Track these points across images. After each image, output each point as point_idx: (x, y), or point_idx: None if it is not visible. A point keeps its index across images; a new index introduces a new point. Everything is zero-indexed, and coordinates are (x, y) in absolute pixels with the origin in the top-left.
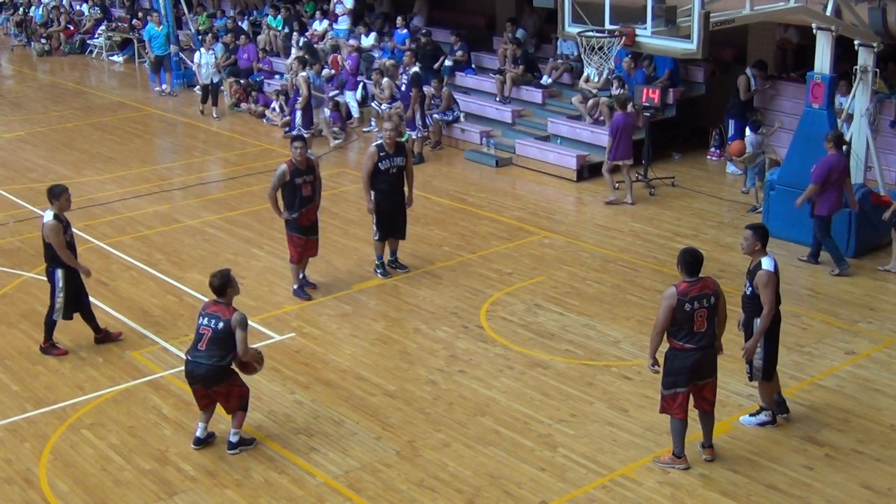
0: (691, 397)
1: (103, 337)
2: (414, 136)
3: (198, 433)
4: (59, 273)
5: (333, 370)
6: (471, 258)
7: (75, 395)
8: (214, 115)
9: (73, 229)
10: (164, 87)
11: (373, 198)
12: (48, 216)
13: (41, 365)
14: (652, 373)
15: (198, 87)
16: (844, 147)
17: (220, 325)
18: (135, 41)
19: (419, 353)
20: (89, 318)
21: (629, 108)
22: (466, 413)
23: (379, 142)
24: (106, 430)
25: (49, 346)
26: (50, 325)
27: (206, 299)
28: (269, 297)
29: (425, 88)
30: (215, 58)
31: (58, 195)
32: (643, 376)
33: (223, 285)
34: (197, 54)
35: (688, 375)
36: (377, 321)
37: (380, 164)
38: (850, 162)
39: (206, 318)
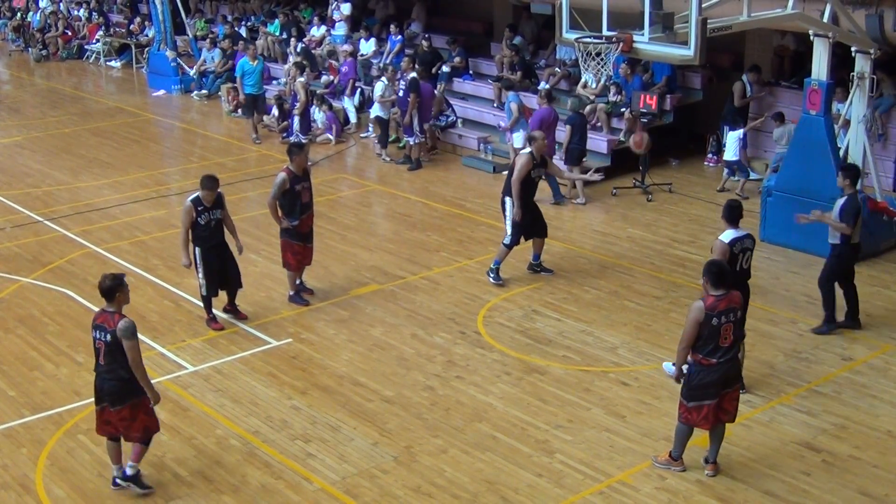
0: None
1: (232, 310)
2: (411, 142)
3: (115, 473)
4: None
5: (330, 376)
6: (468, 264)
7: (72, 401)
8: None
9: (71, 234)
10: (255, 136)
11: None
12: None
13: (38, 370)
14: (675, 383)
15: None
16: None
17: (109, 336)
18: (132, 46)
19: (416, 359)
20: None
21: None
22: (464, 419)
23: (529, 150)
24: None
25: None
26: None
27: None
28: (266, 302)
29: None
30: (393, 88)
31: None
32: (640, 382)
33: (112, 288)
34: (379, 84)
35: (716, 388)
36: (374, 327)
37: (532, 172)
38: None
39: (96, 331)
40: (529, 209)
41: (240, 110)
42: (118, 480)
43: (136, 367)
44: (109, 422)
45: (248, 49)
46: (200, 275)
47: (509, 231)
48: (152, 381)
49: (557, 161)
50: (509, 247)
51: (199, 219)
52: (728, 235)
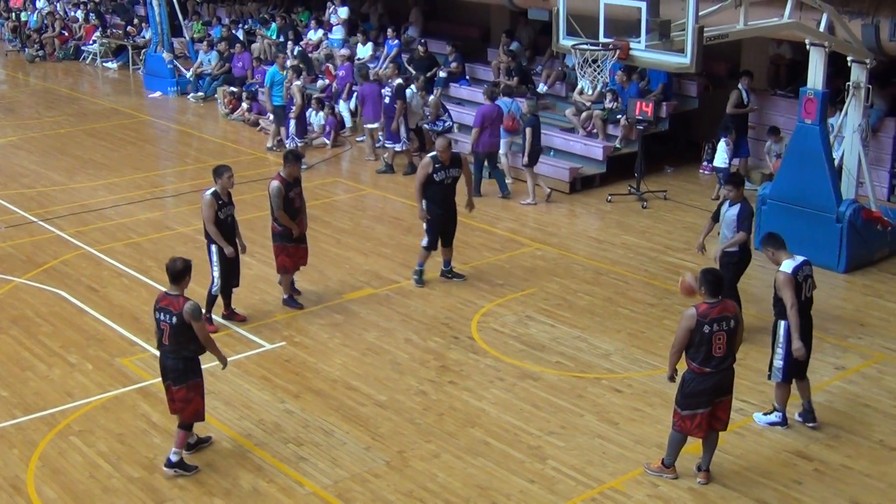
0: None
1: (229, 314)
2: (397, 149)
3: (189, 440)
4: None
5: (324, 379)
6: (463, 269)
7: (64, 402)
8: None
9: (66, 235)
10: (272, 145)
11: (425, 207)
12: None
13: (30, 371)
14: (669, 382)
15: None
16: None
17: (174, 319)
18: (129, 48)
19: (410, 364)
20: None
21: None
22: (456, 424)
23: (433, 153)
24: (94, 437)
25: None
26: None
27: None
28: (260, 305)
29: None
30: (421, 96)
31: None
32: (633, 389)
33: (183, 271)
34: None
35: (708, 396)
36: (368, 331)
37: (435, 175)
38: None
39: (160, 313)
40: (447, 213)
41: (270, 116)
42: (188, 447)
43: (208, 342)
44: (174, 400)
45: (278, 58)
46: (216, 272)
47: (426, 234)
48: (148, 382)
49: (510, 160)
50: (427, 249)
51: (219, 213)
52: (789, 265)
